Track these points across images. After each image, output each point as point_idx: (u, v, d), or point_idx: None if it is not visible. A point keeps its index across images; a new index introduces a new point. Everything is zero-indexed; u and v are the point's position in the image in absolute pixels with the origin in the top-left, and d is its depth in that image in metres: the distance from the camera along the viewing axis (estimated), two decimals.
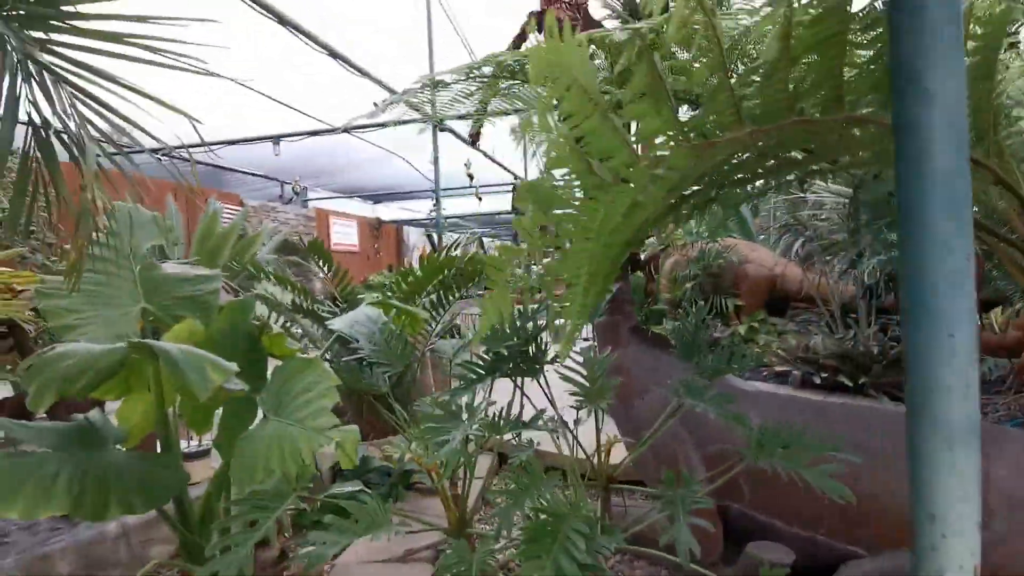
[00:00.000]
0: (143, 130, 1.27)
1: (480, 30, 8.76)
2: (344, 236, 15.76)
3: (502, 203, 14.83)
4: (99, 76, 1.19)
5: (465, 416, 1.56)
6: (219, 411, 2.10)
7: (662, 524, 1.97)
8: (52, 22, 1.15)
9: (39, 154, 1.16)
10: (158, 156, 1.48)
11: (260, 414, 1.92)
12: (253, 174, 13.37)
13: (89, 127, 1.23)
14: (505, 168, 11.78)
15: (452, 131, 8.50)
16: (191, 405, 2.02)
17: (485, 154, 9.18)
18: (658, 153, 0.78)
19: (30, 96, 1.17)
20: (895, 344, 4.39)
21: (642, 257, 2.66)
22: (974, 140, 1.49)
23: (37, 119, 1.15)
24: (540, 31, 2.75)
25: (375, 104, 7.40)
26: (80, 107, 1.19)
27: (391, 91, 6.88)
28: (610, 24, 2.39)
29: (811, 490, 1.90)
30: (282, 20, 4.24)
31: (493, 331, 1.83)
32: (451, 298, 3.51)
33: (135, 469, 1.60)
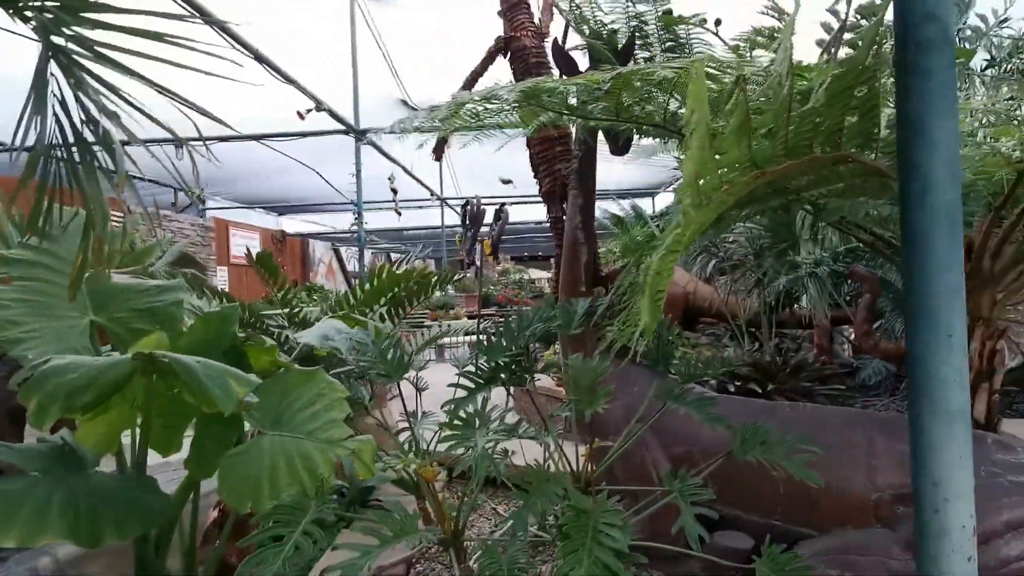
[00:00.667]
0: (167, 130, 1.23)
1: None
2: (245, 249, 14.86)
3: (416, 219, 14.73)
4: (130, 75, 1.14)
5: (478, 423, 1.61)
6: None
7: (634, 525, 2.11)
8: (83, 15, 1.09)
9: (69, 156, 1.08)
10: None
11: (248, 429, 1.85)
12: (142, 178, 12.29)
13: (114, 127, 1.17)
14: (423, 184, 11.75)
15: (373, 144, 8.39)
16: (159, 424, 1.89)
17: (406, 170, 9.13)
18: (730, 179, 0.92)
19: (56, 93, 1.09)
20: (793, 354, 4.97)
21: (604, 272, 2.84)
22: None
23: (65, 120, 1.07)
24: (506, 56, 2.87)
25: (299, 114, 7.10)
26: (109, 106, 1.13)
27: (315, 99, 6.69)
28: (577, 55, 2.56)
29: (766, 484, 2.13)
30: (208, 19, 4.01)
31: (490, 343, 1.90)
32: (402, 312, 3.50)
33: (122, 492, 1.49)
